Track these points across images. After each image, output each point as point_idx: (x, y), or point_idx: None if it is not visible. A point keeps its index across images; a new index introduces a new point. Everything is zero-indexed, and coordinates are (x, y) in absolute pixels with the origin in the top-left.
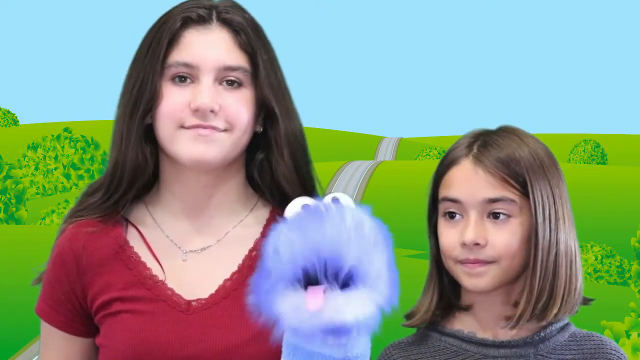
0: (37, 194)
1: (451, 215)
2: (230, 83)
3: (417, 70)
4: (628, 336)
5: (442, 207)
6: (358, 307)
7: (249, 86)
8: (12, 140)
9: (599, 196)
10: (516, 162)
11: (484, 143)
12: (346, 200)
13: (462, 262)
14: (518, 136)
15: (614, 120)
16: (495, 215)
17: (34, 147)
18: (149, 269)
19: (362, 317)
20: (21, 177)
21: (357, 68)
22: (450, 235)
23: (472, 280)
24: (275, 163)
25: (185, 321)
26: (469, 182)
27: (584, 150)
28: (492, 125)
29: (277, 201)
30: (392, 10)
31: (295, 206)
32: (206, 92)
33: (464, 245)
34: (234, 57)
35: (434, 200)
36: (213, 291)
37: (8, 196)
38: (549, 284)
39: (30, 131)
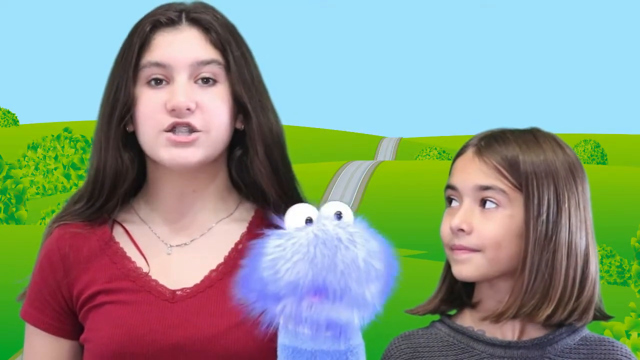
0: (37, 194)
1: (450, 201)
2: (205, 81)
3: (417, 70)
4: (628, 336)
5: (445, 194)
6: (342, 315)
7: (224, 82)
8: (12, 140)
9: (599, 196)
10: (514, 160)
11: (494, 137)
12: (347, 213)
13: (451, 248)
14: (537, 140)
15: (614, 120)
16: (484, 203)
17: (34, 147)
18: (133, 262)
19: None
20: (21, 177)
21: (357, 68)
22: (446, 222)
23: (458, 267)
24: (251, 159)
25: (170, 309)
26: (466, 169)
27: (584, 150)
28: (492, 126)
29: (259, 200)
30: (392, 10)
31: (297, 216)
32: (181, 90)
33: (452, 230)
34: (206, 51)
35: None
36: (198, 281)
37: (8, 196)
38: (543, 284)
39: (30, 131)
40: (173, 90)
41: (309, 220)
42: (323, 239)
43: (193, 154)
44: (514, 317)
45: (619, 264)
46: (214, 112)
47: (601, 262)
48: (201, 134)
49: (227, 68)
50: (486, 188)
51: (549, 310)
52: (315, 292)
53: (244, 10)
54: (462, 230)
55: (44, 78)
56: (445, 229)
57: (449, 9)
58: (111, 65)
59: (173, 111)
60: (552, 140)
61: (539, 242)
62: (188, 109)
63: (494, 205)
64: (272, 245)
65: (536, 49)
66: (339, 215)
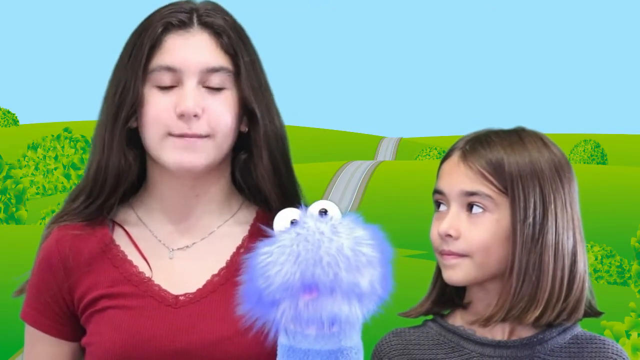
0: (37, 194)
1: (438, 205)
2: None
3: (417, 70)
4: (628, 336)
5: (433, 198)
6: (343, 307)
7: (232, 88)
8: (12, 140)
9: (599, 196)
10: (499, 163)
11: (479, 140)
12: (334, 210)
13: (440, 253)
14: (522, 141)
15: (614, 120)
16: (470, 208)
17: (34, 147)
18: (135, 266)
19: (347, 315)
20: (21, 177)
21: (357, 68)
22: (434, 227)
23: (448, 271)
24: (255, 163)
25: (174, 314)
26: (452, 174)
27: (584, 150)
28: (492, 126)
29: (261, 202)
30: (392, 10)
31: (283, 221)
32: (190, 95)
33: (440, 236)
34: (216, 58)
35: None
36: (201, 286)
37: (8, 196)
38: (530, 287)
39: (30, 131)
40: (182, 94)
41: (293, 222)
42: (305, 235)
43: (199, 159)
44: (503, 320)
45: (619, 264)
46: (220, 117)
47: (601, 262)
48: (207, 139)
49: (237, 74)
50: (472, 194)
51: (537, 313)
52: (307, 290)
53: (244, 10)
54: (450, 235)
55: (44, 78)
56: (434, 234)
57: (449, 9)
58: (115, 63)
59: (182, 116)
60: (537, 139)
61: (526, 245)
62: (195, 115)
63: (480, 210)
64: (261, 253)
65: (536, 49)
66: (323, 212)
